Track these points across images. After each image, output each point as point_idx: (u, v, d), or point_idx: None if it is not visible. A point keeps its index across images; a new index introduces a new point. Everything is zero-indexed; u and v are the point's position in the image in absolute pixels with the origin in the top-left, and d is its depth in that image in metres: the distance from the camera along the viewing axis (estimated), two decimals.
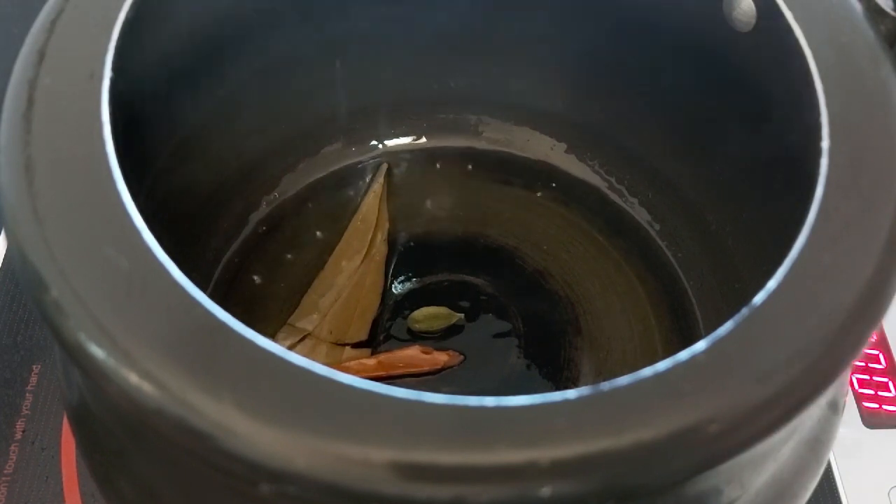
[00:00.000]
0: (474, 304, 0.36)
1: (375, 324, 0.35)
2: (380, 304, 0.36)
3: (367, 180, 0.39)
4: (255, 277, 0.36)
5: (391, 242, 0.37)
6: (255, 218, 0.37)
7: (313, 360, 0.33)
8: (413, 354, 0.34)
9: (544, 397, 0.17)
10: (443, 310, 0.36)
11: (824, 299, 0.19)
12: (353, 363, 0.34)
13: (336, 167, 0.39)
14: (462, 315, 0.35)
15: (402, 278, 0.37)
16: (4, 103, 0.21)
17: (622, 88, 0.36)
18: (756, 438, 0.18)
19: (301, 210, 0.38)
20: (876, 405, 0.37)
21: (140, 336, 0.18)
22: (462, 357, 0.35)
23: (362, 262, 0.37)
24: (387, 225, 0.38)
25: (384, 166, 0.39)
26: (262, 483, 0.16)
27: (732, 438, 0.17)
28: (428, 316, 0.35)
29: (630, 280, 0.36)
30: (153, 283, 0.18)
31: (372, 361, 0.34)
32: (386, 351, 0.35)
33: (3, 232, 0.36)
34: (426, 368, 0.34)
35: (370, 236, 0.37)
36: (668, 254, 0.37)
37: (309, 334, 0.35)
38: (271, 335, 0.35)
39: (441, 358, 0.34)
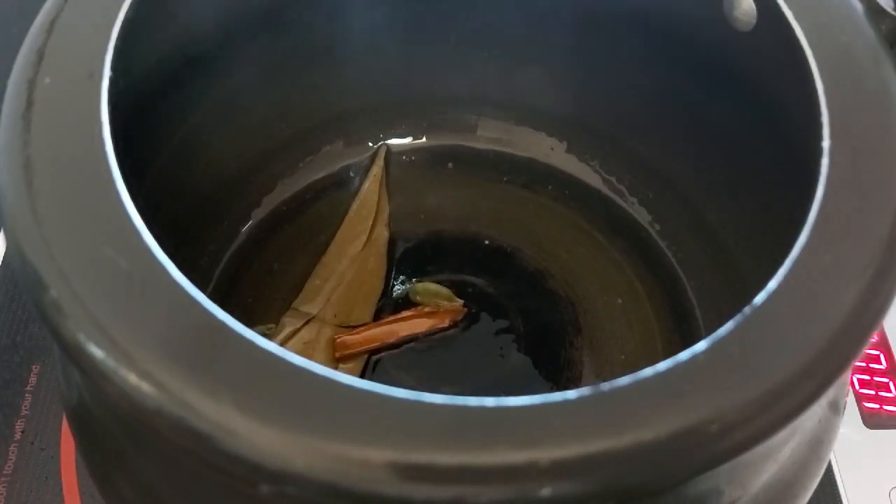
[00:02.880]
0: (474, 304, 0.36)
1: (379, 308, 0.36)
2: (383, 287, 0.36)
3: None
4: (255, 278, 0.36)
5: (392, 240, 0.37)
6: (255, 218, 0.37)
7: (318, 342, 0.34)
8: (416, 317, 0.35)
9: (544, 397, 0.17)
10: (444, 290, 0.36)
11: (825, 299, 0.19)
12: (352, 336, 0.34)
13: (336, 167, 0.39)
14: (462, 302, 0.35)
15: (402, 278, 0.37)
16: (4, 103, 0.21)
17: (622, 88, 0.36)
18: (757, 439, 0.18)
19: (301, 210, 0.38)
20: (877, 406, 0.37)
21: (139, 336, 0.18)
22: (465, 310, 0.35)
23: (364, 246, 0.37)
24: (387, 209, 0.38)
25: (383, 149, 0.39)
26: (262, 483, 0.16)
27: (733, 439, 0.17)
28: (428, 292, 0.36)
29: (630, 280, 0.36)
30: (153, 284, 0.18)
31: (374, 330, 0.34)
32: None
33: (2, 232, 0.36)
34: (431, 328, 0.35)
35: (371, 221, 0.37)
36: (669, 254, 0.37)
37: (314, 318, 0.35)
38: (275, 320, 0.35)
39: (445, 315, 0.34)
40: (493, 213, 0.39)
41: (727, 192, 0.33)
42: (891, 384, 0.38)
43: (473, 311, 0.35)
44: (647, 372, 0.17)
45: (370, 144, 0.40)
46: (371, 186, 0.38)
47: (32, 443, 0.34)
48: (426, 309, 0.35)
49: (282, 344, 0.34)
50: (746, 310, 0.19)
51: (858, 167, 0.21)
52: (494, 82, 0.38)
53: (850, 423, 0.36)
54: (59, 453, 0.34)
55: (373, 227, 0.37)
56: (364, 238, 0.37)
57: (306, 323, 0.35)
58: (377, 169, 0.39)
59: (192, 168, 0.33)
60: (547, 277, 0.37)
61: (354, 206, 0.38)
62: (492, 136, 0.40)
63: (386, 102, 0.39)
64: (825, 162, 0.21)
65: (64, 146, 0.20)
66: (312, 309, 0.35)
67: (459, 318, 0.35)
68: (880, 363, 0.38)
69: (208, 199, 0.35)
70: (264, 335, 0.18)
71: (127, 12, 0.23)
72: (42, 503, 0.33)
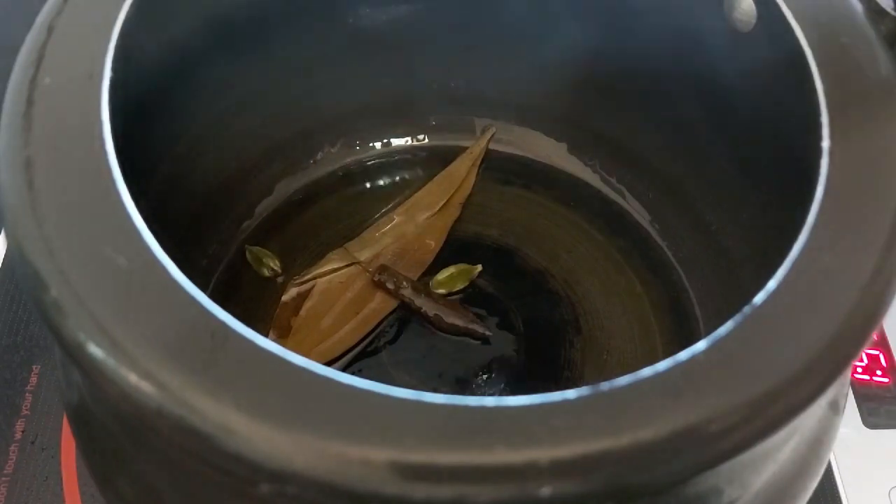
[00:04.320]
0: (474, 305, 0.36)
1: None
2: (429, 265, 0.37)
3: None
4: (256, 277, 0.36)
5: None
6: (255, 218, 0.37)
7: (351, 286, 0.35)
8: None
9: (544, 397, 0.17)
10: (460, 266, 0.36)
11: (824, 299, 0.19)
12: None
13: (336, 167, 0.39)
14: (480, 267, 0.36)
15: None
16: (4, 103, 0.21)
17: (622, 89, 0.36)
18: (756, 438, 0.18)
19: (301, 211, 0.38)
20: (876, 405, 0.37)
21: (140, 336, 0.18)
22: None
23: (431, 216, 0.37)
24: (469, 189, 0.38)
25: (491, 130, 0.40)
26: (262, 483, 0.16)
27: (732, 438, 0.17)
28: (449, 277, 0.36)
29: (630, 280, 0.36)
30: (153, 283, 0.18)
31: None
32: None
33: (2, 232, 0.36)
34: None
35: (449, 196, 0.38)
36: (669, 254, 0.37)
37: (357, 263, 0.36)
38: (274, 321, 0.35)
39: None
40: (493, 213, 0.39)
41: (727, 192, 0.33)
42: (891, 384, 0.38)
43: (474, 311, 0.35)
44: (647, 372, 0.18)
45: (370, 144, 0.40)
46: (462, 163, 0.39)
47: (33, 443, 0.34)
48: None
49: (319, 275, 0.35)
50: (746, 310, 0.19)
51: (858, 167, 0.21)
52: (495, 83, 0.38)
53: (850, 423, 0.36)
54: (60, 453, 0.34)
55: (448, 201, 0.38)
56: (435, 209, 0.38)
57: (348, 266, 0.36)
58: (477, 148, 0.39)
59: (192, 168, 0.33)
60: (547, 277, 0.37)
61: (440, 176, 0.39)
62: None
63: (386, 102, 0.39)
64: (825, 162, 0.21)
65: (64, 146, 0.20)
66: (361, 255, 0.36)
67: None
68: (880, 363, 0.38)
69: (209, 199, 0.35)
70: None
71: (127, 12, 0.23)
72: (42, 503, 0.33)
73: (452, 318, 0.34)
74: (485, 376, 0.34)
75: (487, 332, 0.34)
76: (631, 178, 0.38)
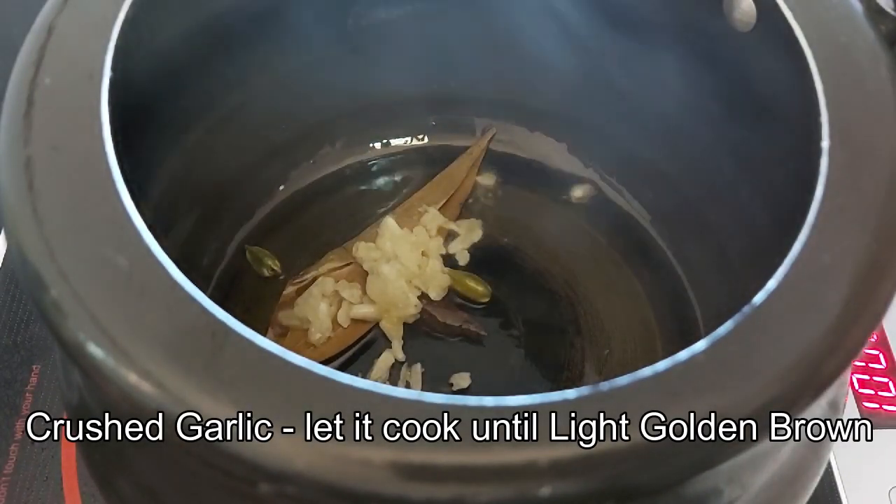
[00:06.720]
0: (475, 305, 0.36)
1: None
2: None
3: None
4: (255, 277, 0.36)
5: None
6: (255, 218, 0.37)
7: (350, 288, 0.35)
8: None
9: (544, 397, 0.17)
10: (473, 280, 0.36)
11: (824, 299, 0.19)
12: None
13: (337, 167, 0.39)
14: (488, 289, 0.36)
15: None
16: (4, 103, 0.21)
17: (622, 89, 0.36)
18: (756, 439, 0.18)
19: (302, 210, 0.38)
20: (876, 405, 0.37)
21: (139, 336, 0.18)
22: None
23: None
24: (469, 190, 0.39)
25: (491, 130, 0.40)
26: (262, 483, 0.16)
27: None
28: (459, 281, 0.36)
29: (630, 280, 0.36)
30: (153, 283, 0.18)
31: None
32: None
33: (2, 232, 0.36)
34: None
35: (449, 196, 0.38)
36: (669, 254, 0.37)
37: (357, 263, 0.36)
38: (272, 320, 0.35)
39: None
40: (493, 212, 0.39)
41: (727, 192, 0.33)
42: (890, 384, 0.38)
43: (474, 312, 0.35)
44: (647, 372, 0.18)
45: (370, 144, 0.40)
46: (461, 164, 0.39)
47: (33, 442, 0.34)
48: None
49: (319, 275, 0.35)
50: (746, 309, 0.19)
51: (858, 167, 0.21)
52: (494, 83, 0.38)
53: None
54: (60, 453, 0.34)
55: (448, 201, 0.38)
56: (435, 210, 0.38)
57: (348, 265, 0.36)
58: (477, 148, 0.39)
59: (192, 168, 0.33)
60: (547, 277, 0.37)
61: (440, 176, 0.39)
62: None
63: (386, 102, 0.39)
64: (824, 162, 0.21)
65: (64, 146, 0.20)
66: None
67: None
68: (880, 363, 0.38)
69: (209, 199, 0.35)
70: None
71: (127, 12, 0.23)
72: (42, 503, 0.33)
73: (447, 318, 0.34)
74: (484, 377, 0.34)
75: (482, 332, 0.34)
76: (631, 178, 0.38)
